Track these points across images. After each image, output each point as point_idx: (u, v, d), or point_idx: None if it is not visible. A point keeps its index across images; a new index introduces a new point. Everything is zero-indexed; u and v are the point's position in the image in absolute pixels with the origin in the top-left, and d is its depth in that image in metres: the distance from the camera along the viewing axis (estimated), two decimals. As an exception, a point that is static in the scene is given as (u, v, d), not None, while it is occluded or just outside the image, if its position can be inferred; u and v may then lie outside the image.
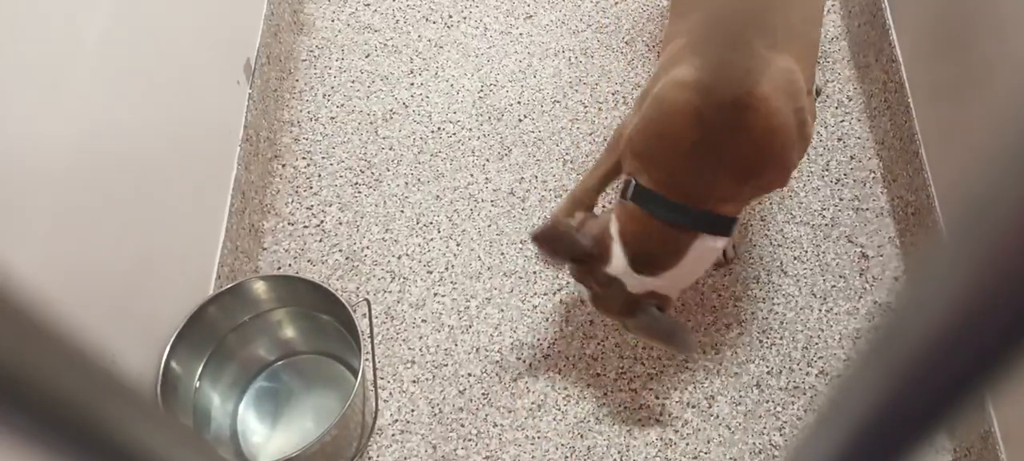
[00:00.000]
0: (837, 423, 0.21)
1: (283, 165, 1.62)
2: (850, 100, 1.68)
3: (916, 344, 0.16)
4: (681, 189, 1.07)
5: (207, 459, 0.18)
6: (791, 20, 1.10)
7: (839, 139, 1.63)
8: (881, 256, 1.50)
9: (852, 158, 1.61)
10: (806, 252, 1.50)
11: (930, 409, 0.17)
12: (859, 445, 0.19)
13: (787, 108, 1.04)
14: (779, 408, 1.36)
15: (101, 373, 0.15)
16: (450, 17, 1.80)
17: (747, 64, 1.03)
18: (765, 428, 1.34)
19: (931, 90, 1.48)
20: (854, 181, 1.58)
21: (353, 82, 1.72)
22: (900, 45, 1.58)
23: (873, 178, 1.58)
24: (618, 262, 1.12)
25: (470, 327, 1.44)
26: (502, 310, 1.45)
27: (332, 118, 1.67)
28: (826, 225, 1.53)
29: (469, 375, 1.39)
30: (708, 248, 1.10)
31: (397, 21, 1.80)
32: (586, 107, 1.67)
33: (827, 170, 1.59)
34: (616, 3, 1.78)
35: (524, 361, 1.40)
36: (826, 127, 1.64)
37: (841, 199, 1.56)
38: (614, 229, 1.13)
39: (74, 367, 0.14)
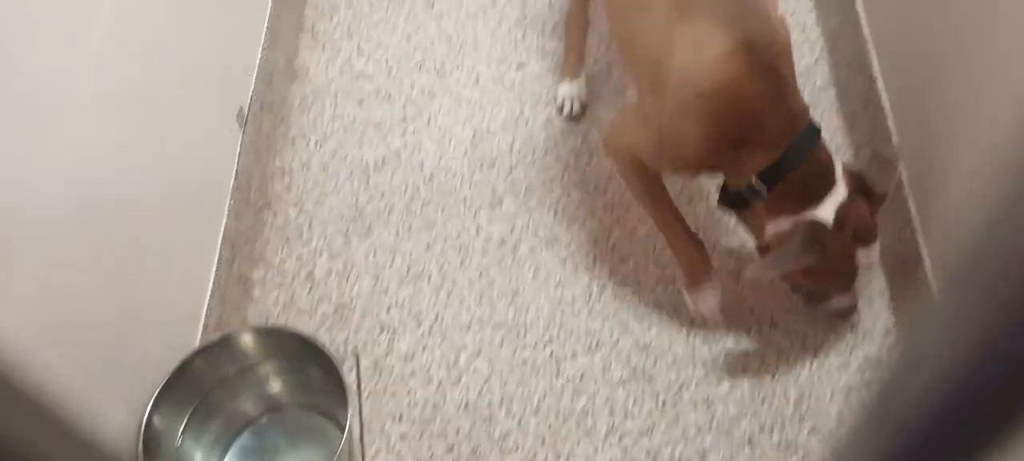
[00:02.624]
0: None
1: (274, 213, 1.62)
2: (837, 150, 1.68)
3: (914, 406, 0.15)
4: (782, 132, 1.15)
5: None
6: None
7: (829, 190, 1.63)
8: (871, 309, 1.50)
9: (842, 210, 1.61)
10: (797, 303, 1.49)
11: None
12: None
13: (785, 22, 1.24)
14: (771, 465, 1.34)
15: (80, 438, 0.14)
16: (443, 65, 1.81)
17: (757, 10, 1.17)
18: (757, 485, 1.33)
19: (918, 140, 1.48)
20: (845, 233, 1.58)
21: (346, 129, 1.72)
22: (887, 95, 1.59)
23: (864, 230, 1.58)
24: (824, 212, 1.19)
25: (459, 380, 1.42)
26: (491, 363, 1.44)
27: (324, 167, 1.67)
28: (817, 277, 1.52)
29: (457, 431, 1.38)
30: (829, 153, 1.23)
31: (390, 69, 1.81)
32: (577, 156, 1.67)
33: (818, 222, 1.59)
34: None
35: (514, 416, 1.39)
36: (816, 178, 1.65)
37: (832, 251, 1.56)
38: (779, 223, 1.20)
39: (50, 431, 0.14)
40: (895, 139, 1.54)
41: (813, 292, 1.32)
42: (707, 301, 1.34)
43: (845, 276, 1.26)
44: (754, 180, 1.17)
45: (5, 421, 0.13)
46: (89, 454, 0.15)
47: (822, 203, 1.20)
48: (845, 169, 1.24)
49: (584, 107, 1.72)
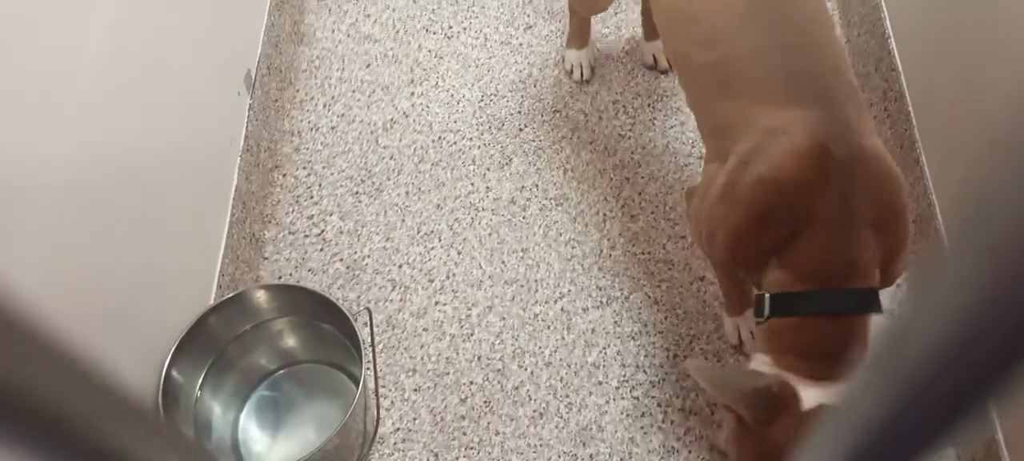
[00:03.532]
0: (842, 433, 0.21)
1: (284, 175, 1.62)
2: (849, 108, 1.68)
3: (921, 354, 0.16)
4: (826, 270, 0.93)
5: None
6: (841, 74, 1.02)
7: (839, 147, 1.63)
8: (882, 263, 1.50)
9: (852, 166, 1.61)
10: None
11: (936, 419, 0.16)
12: (865, 453, 0.19)
13: (893, 163, 0.99)
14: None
15: (101, 386, 0.15)
16: (450, 28, 1.80)
17: (846, 117, 0.96)
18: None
19: (931, 98, 1.48)
20: (854, 189, 1.58)
21: (354, 92, 1.72)
22: (899, 54, 1.59)
23: (873, 185, 1.58)
24: (810, 395, 0.94)
25: (471, 335, 1.43)
26: (503, 318, 1.45)
27: (333, 128, 1.68)
28: (827, 232, 1.53)
29: (471, 383, 1.39)
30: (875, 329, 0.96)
31: (397, 32, 1.80)
32: (587, 116, 1.67)
33: (827, 178, 1.59)
34: (616, 13, 1.79)
35: (526, 369, 1.40)
36: (826, 135, 1.64)
37: (842, 206, 1.56)
38: (771, 368, 0.98)
39: (73, 380, 0.14)
40: (908, 96, 1.54)
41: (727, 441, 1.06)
42: (743, 330, 1.35)
43: None
44: (767, 296, 0.98)
45: (26, 370, 0.13)
46: (113, 401, 0.16)
47: (819, 384, 0.95)
48: None
49: (593, 70, 1.71)
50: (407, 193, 1.59)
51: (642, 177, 1.59)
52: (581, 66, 1.70)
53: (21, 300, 0.13)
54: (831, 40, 1.06)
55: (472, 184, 1.60)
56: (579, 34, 1.67)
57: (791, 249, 0.95)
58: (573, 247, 1.52)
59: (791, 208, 0.95)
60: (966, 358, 0.15)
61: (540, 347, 1.42)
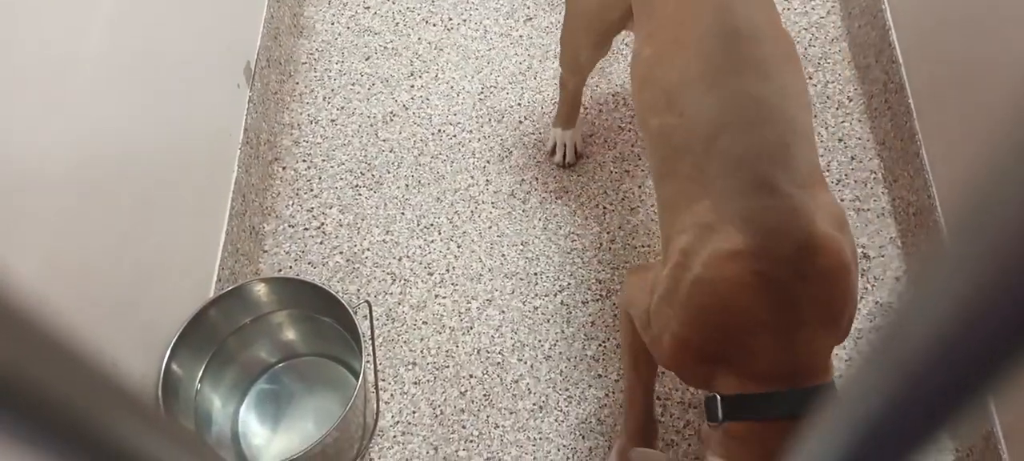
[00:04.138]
0: (841, 424, 0.21)
1: (283, 168, 1.62)
2: (850, 101, 1.68)
3: (919, 346, 0.16)
4: (778, 373, 0.88)
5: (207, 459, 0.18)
6: (800, 152, 0.94)
7: (840, 140, 1.63)
8: (882, 256, 1.50)
9: (853, 159, 1.61)
10: None
11: (935, 411, 0.16)
12: (863, 445, 0.19)
13: (846, 244, 0.91)
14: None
15: (102, 377, 0.15)
16: (450, 20, 1.80)
17: (792, 206, 0.89)
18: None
19: (932, 90, 1.48)
20: (855, 182, 1.58)
21: (353, 85, 1.72)
22: (900, 46, 1.58)
23: (874, 179, 1.58)
24: None
25: (471, 328, 1.43)
26: (503, 312, 1.45)
27: (332, 120, 1.68)
28: (827, 226, 1.53)
29: (470, 376, 1.39)
30: None
31: (397, 24, 1.80)
32: (586, 109, 1.67)
33: (828, 171, 1.59)
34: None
35: (525, 362, 1.40)
36: (827, 128, 1.64)
37: (842, 200, 1.56)
38: None
39: (74, 371, 0.14)
40: (909, 88, 1.53)
41: None
42: None
43: None
44: (718, 397, 0.92)
45: (28, 362, 0.13)
46: (114, 394, 0.16)
47: None
48: None
49: (577, 155, 1.59)
50: (407, 186, 1.59)
51: (642, 170, 1.58)
52: (565, 147, 1.57)
53: (22, 291, 0.13)
54: (793, 115, 0.95)
55: (472, 177, 1.60)
56: (567, 110, 1.53)
57: (742, 352, 0.89)
58: (573, 240, 1.52)
59: (734, 313, 0.88)
60: (965, 348, 0.15)
61: (540, 340, 1.42)
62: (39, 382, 0.13)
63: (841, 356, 1.41)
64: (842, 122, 1.65)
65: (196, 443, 0.18)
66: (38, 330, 0.13)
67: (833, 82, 1.70)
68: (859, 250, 1.50)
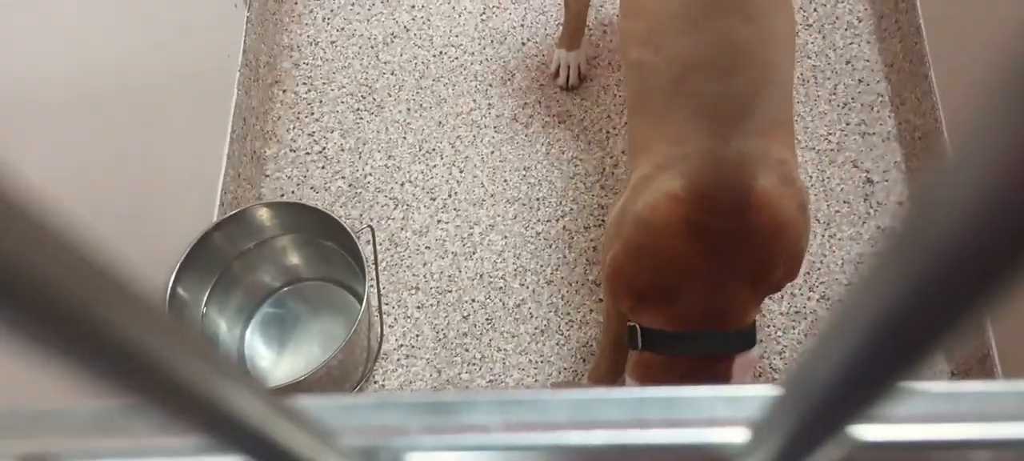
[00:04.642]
0: (847, 331, 0.21)
1: (284, 91, 1.60)
2: (860, 22, 1.64)
3: (920, 259, 0.15)
4: (697, 317, 0.92)
5: (218, 367, 0.18)
6: (769, 102, 0.93)
7: (847, 62, 1.60)
8: (886, 181, 1.49)
9: (860, 81, 1.58)
10: (811, 177, 1.49)
11: (929, 328, 0.16)
12: (874, 347, 0.19)
13: (789, 197, 0.92)
14: (779, 333, 1.37)
15: (108, 274, 0.15)
16: (451, -63, 1.75)
17: (738, 158, 0.89)
18: (766, 352, 1.36)
19: (942, 11, 1.44)
20: (861, 105, 1.56)
21: (352, 5, 1.68)
22: (913, -36, 1.54)
23: (881, 102, 1.56)
24: None
25: (474, 253, 1.44)
26: (505, 237, 1.45)
27: (332, 42, 1.65)
28: (832, 150, 1.52)
29: (473, 301, 1.40)
30: (747, 365, 0.96)
31: (396, -59, 1.75)
32: (590, 31, 1.64)
33: (834, 94, 1.57)
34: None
35: (527, 287, 1.41)
36: (834, 49, 1.61)
37: (847, 123, 1.54)
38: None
39: (79, 266, 0.14)
40: (919, 9, 1.50)
41: None
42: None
43: None
44: (638, 328, 0.97)
45: (27, 251, 0.12)
46: (127, 295, 0.15)
47: None
48: None
49: (581, 77, 1.56)
50: (408, 110, 1.57)
51: (646, 94, 1.56)
52: (568, 68, 1.54)
53: (25, 184, 0.13)
54: (769, 61, 0.94)
55: (474, 101, 1.58)
56: (572, 32, 1.50)
57: (666, 291, 0.93)
58: (576, 165, 1.51)
59: (662, 254, 0.91)
60: (967, 263, 0.15)
61: (542, 265, 1.43)
62: (42, 274, 0.13)
63: (840, 283, 1.42)
64: (850, 43, 1.62)
65: (206, 347, 0.18)
66: (40, 222, 0.13)
67: (842, 2, 1.66)
68: (863, 174, 1.50)
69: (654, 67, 0.96)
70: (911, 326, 0.16)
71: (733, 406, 0.26)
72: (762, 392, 0.26)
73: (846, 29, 1.63)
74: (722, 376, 0.95)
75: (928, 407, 0.25)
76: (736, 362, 0.95)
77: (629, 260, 0.95)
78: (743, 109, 0.91)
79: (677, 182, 0.89)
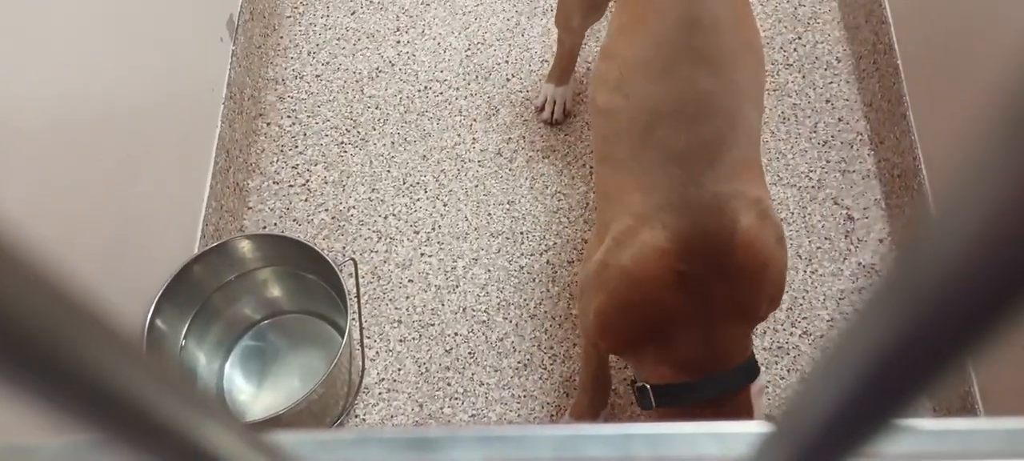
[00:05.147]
0: (840, 370, 0.21)
1: (268, 123, 1.60)
2: (839, 62, 1.67)
3: (903, 315, 0.15)
4: (698, 363, 0.94)
5: (194, 402, 0.17)
6: (737, 147, 0.95)
7: (827, 101, 1.63)
8: (866, 218, 1.51)
9: (840, 120, 1.61)
10: (792, 213, 1.51)
11: (913, 378, 0.16)
12: (866, 385, 0.19)
13: (768, 232, 0.94)
14: (762, 367, 1.37)
15: (85, 311, 0.14)
16: (437, -27, 1.77)
17: (717, 203, 0.91)
18: (749, 387, 1.36)
19: (920, 52, 1.47)
20: (841, 143, 1.58)
21: (338, 39, 1.69)
22: (890, 6, 1.57)
23: (860, 140, 1.59)
24: None
25: (457, 287, 1.44)
26: (489, 270, 1.45)
27: (317, 76, 1.65)
28: (812, 187, 1.53)
29: (455, 334, 1.40)
30: (758, 393, 0.97)
31: (383, -23, 1.76)
32: (576, 68, 1.65)
33: (814, 132, 1.59)
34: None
35: (510, 321, 1.41)
36: (814, 88, 1.64)
37: (828, 161, 1.56)
38: None
39: (56, 303, 0.14)
40: (897, 50, 1.53)
41: None
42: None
43: None
44: (649, 387, 0.97)
45: (17, 297, 0.12)
46: (105, 334, 0.15)
47: None
48: None
49: (566, 113, 1.57)
50: (392, 143, 1.58)
51: (629, 129, 1.58)
52: (555, 104, 1.56)
53: (6, 221, 0.12)
54: (735, 110, 0.95)
55: (458, 135, 1.58)
56: (562, 67, 1.52)
57: (664, 342, 0.94)
58: (559, 199, 1.52)
59: (654, 308, 0.92)
60: (949, 314, 0.15)
61: (525, 299, 1.43)
62: (13, 308, 0.12)
63: (822, 319, 1.42)
64: (830, 83, 1.65)
65: (182, 382, 0.17)
66: (18, 259, 0.13)
67: (822, 42, 1.69)
68: (843, 212, 1.51)
69: (623, 112, 0.97)
70: (904, 366, 0.16)
71: (720, 443, 0.26)
72: (750, 429, 0.26)
73: (825, 69, 1.66)
74: (743, 409, 0.96)
75: (916, 444, 0.25)
76: (751, 391, 0.96)
77: (618, 315, 0.95)
78: (711, 155, 0.92)
79: (661, 234, 0.90)
